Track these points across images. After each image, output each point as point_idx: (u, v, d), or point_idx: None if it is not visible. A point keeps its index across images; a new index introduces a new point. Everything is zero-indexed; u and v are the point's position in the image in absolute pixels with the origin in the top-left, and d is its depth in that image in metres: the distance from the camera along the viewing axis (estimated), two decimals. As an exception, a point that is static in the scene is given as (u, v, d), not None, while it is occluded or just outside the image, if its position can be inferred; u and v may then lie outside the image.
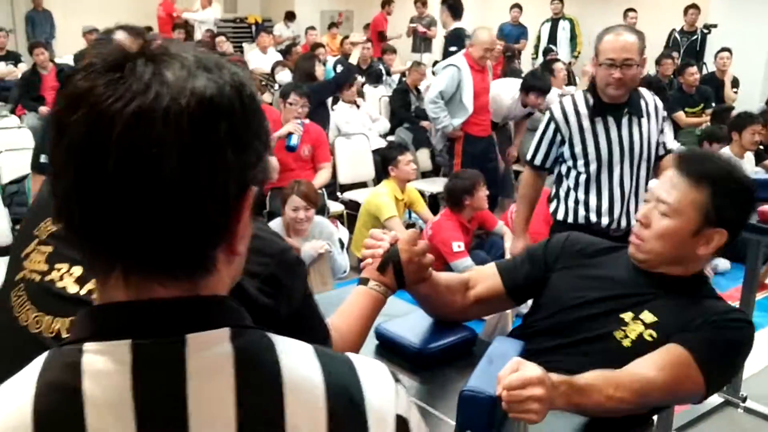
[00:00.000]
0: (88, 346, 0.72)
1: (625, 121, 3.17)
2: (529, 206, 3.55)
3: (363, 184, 6.74)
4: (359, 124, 7.13)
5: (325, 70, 8.23)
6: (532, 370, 1.44)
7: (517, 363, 1.46)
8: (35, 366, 0.74)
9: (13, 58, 10.28)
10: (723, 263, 5.43)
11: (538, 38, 11.50)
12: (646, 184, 3.29)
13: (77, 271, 1.25)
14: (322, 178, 5.59)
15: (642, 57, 3.08)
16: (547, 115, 3.34)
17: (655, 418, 3.21)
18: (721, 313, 1.85)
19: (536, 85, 6.49)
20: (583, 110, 3.19)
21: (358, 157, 6.76)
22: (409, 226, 6.07)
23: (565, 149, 3.24)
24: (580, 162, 3.22)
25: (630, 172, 3.21)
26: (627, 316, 1.90)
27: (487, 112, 6.22)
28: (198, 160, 0.69)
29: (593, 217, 3.26)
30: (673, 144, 4.78)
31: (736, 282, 3.75)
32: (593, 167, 3.20)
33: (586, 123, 3.18)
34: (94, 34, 8.60)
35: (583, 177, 3.24)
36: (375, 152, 6.74)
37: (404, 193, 5.64)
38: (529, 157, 3.44)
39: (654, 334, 1.85)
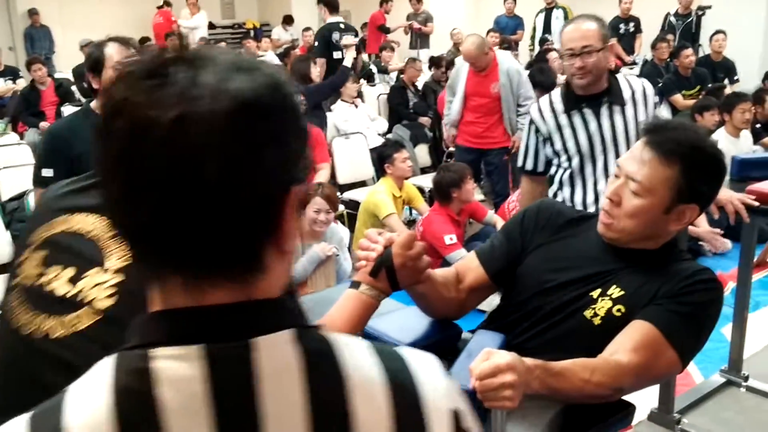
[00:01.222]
0: (158, 351, 0.73)
1: (604, 110, 3.11)
2: None
3: (362, 183, 6.75)
4: (357, 123, 7.15)
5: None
6: (502, 357, 1.46)
7: (486, 353, 1.48)
8: (105, 371, 0.75)
9: (11, 73, 10.35)
10: (725, 243, 5.46)
11: (534, 29, 11.49)
12: None
13: (70, 272, 1.26)
14: (320, 178, 5.59)
15: (605, 43, 3.02)
16: (527, 117, 3.35)
17: (654, 401, 3.27)
18: (686, 277, 1.82)
19: (539, 81, 6.09)
20: (559, 107, 3.17)
21: (356, 156, 6.77)
22: (410, 222, 6.10)
23: (547, 148, 3.23)
24: (563, 158, 3.19)
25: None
26: (595, 293, 1.88)
27: (483, 114, 6.02)
28: (238, 161, 0.70)
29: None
30: None
31: (737, 262, 3.75)
32: (575, 161, 3.17)
33: (562, 119, 3.15)
34: (91, 46, 8.63)
35: (567, 173, 3.21)
36: (373, 150, 6.75)
37: (402, 190, 5.66)
38: (520, 163, 3.39)
39: (622, 308, 1.83)
